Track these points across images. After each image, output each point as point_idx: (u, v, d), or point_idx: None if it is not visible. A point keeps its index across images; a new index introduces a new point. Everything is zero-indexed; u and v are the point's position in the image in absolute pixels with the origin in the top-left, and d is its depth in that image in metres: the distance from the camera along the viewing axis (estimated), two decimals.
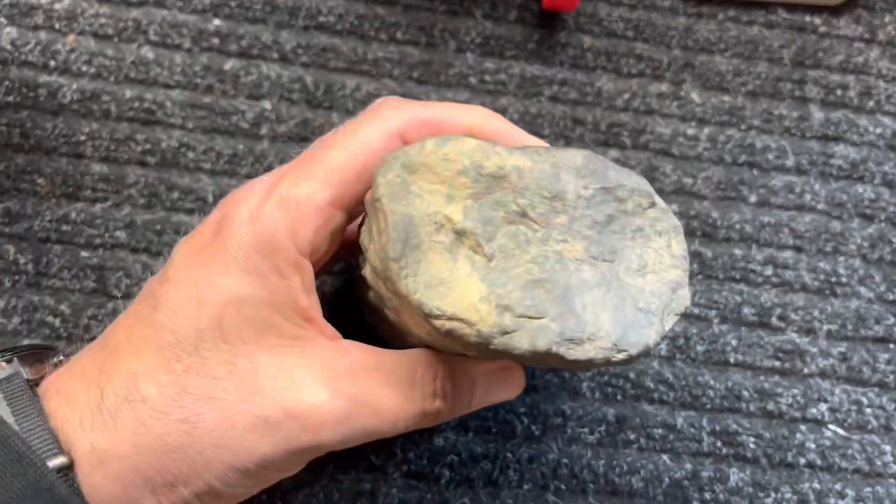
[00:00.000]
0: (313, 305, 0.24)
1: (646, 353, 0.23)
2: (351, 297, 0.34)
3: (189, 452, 0.22)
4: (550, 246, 0.23)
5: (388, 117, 0.25)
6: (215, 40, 0.39)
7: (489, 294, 0.22)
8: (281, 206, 0.24)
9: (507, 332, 0.22)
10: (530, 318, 0.22)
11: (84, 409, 0.22)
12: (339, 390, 0.23)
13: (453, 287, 0.22)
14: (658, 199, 0.25)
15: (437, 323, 0.22)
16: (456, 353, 0.25)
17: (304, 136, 0.38)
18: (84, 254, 0.35)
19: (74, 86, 0.37)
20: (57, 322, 0.35)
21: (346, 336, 0.26)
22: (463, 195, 0.23)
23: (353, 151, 0.24)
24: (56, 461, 0.21)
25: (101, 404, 0.22)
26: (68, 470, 0.22)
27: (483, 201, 0.23)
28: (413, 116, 0.25)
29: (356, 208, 0.26)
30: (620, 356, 0.23)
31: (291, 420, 0.23)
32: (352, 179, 0.24)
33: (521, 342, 0.22)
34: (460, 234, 0.23)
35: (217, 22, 0.39)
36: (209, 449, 0.22)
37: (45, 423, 0.22)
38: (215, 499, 0.23)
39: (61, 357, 0.25)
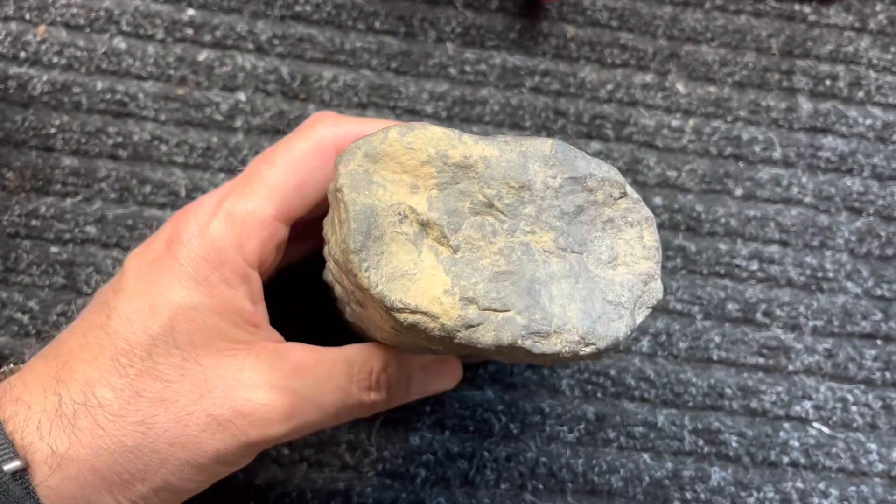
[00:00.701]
0: (260, 312, 0.26)
1: (615, 347, 0.22)
2: (321, 291, 0.33)
3: (145, 452, 0.23)
4: (518, 237, 0.23)
5: (323, 133, 0.26)
6: (189, 31, 0.38)
7: (453, 286, 0.21)
8: (228, 221, 0.25)
9: (471, 326, 0.21)
10: (495, 311, 0.22)
11: (42, 416, 0.23)
12: (283, 388, 0.25)
13: (416, 279, 0.21)
14: (629, 190, 0.24)
15: (400, 316, 0.21)
16: (422, 348, 0.25)
17: (279, 129, 0.37)
18: (54, 249, 0.35)
19: (45, 77, 0.37)
20: (26, 319, 0.34)
21: (310, 338, 0.27)
22: (428, 185, 0.22)
23: (291, 167, 0.26)
24: (11, 465, 0.22)
25: (60, 410, 0.23)
26: (24, 473, 0.22)
27: (448, 191, 0.22)
28: (348, 132, 0.27)
29: (299, 219, 0.27)
30: (588, 350, 0.22)
31: (240, 418, 0.24)
32: (291, 194, 0.26)
33: (486, 336, 0.21)
34: (424, 225, 0.22)
35: (191, 12, 0.38)
36: (164, 448, 0.23)
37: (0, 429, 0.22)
38: (171, 493, 0.24)
39: (11, 366, 0.26)
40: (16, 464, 0.22)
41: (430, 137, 0.23)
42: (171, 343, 0.24)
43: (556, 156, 0.23)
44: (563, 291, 0.22)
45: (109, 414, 0.23)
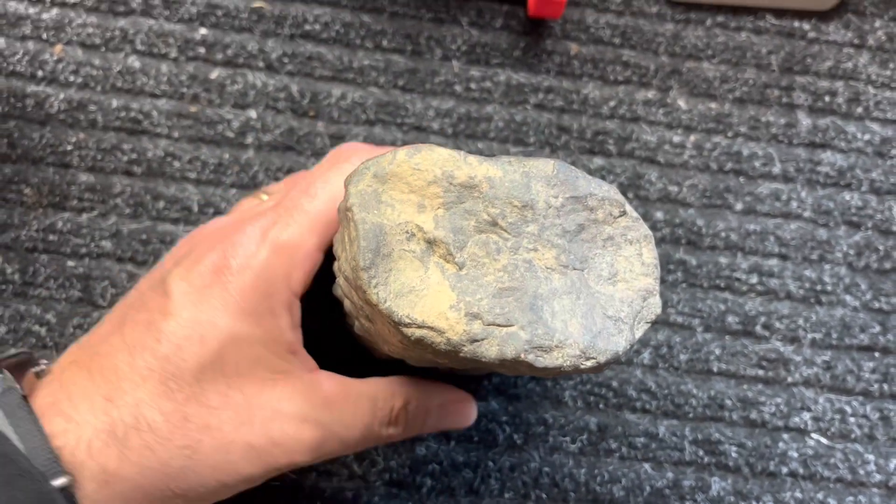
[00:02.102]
0: (298, 339, 0.27)
1: (615, 360, 0.23)
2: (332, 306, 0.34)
3: (188, 473, 0.25)
4: (521, 255, 0.23)
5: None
6: (201, 49, 0.39)
7: (459, 302, 0.22)
8: (276, 252, 0.26)
9: (476, 341, 0.22)
10: (499, 326, 0.22)
11: (93, 435, 0.24)
12: (314, 421, 0.27)
13: (423, 295, 0.22)
14: (629, 208, 0.25)
15: (408, 331, 0.22)
16: (428, 361, 0.25)
17: (289, 146, 0.38)
18: (70, 263, 0.36)
19: (61, 95, 0.38)
20: (43, 331, 0.35)
21: (325, 351, 0.28)
22: (434, 205, 0.23)
23: (331, 201, 0.27)
24: (59, 481, 0.23)
25: (111, 431, 0.24)
26: (70, 488, 0.23)
27: (454, 210, 0.23)
28: None
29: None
30: (589, 363, 0.23)
31: (275, 447, 0.26)
32: (330, 226, 0.27)
33: (490, 350, 0.22)
34: (431, 243, 0.23)
35: (203, 31, 0.39)
36: (206, 470, 0.25)
37: (46, 443, 0.23)
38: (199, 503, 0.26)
39: (42, 366, 0.26)
40: (63, 479, 0.23)
41: (437, 158, 0.23)
42: (219, 371, 0.25)
43: (558, 176, 0.24)
44: (565, 307, 0.23)
45: (158, 436, 0.24)
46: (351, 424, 0.27)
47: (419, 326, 0.22)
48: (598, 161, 0.39)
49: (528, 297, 0.23)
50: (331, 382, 0.27)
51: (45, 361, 0.27)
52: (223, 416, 0.25)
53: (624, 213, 0.25)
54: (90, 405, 0.24)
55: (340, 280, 0.26)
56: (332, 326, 0.32)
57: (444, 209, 0.23)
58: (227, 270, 0.26)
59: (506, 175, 0.24)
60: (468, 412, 0.31)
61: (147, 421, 0.24)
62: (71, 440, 0.24)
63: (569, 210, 0.24)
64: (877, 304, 0.38)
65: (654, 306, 0.24)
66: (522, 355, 0.22)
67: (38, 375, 0.26)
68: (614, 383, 0.36)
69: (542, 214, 0.24)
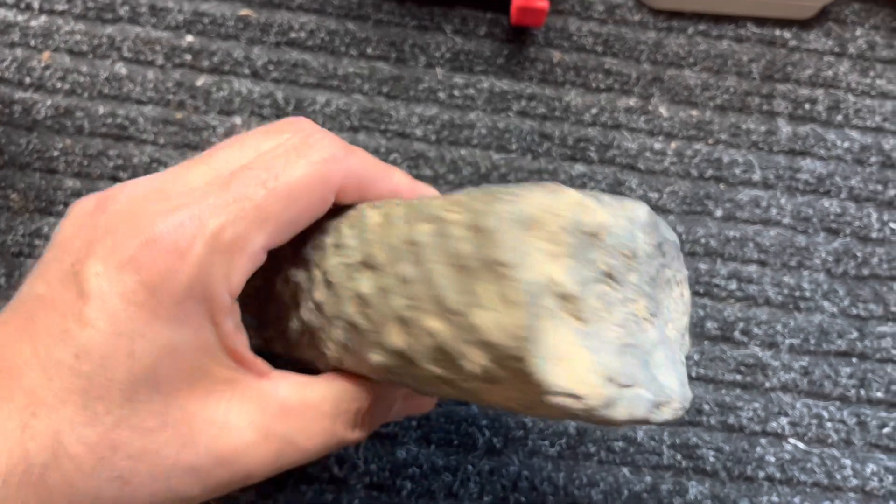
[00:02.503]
0: (244, 342, 0.24)
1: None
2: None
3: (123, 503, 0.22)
4: (627, 306, 0.22)
5: (334, 171, 0.24)
6: (188, 56, 0.39)
7: (595, 364, 0.20)
8: (216, 251, 0.22)
9: (610, 405, 0.20)
10: (628, 387, 0.21)
11: (8, 474, 0.20)
12: (270, 433, 0.24)
13: (565, 359, 0.20)
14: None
15: (553, 399, 0.20)
16: (414, 387, 0.25)
17: None
18: None
19: (49, 102, 0.38)
20: None
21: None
22: (563, 253, 0.21)
23: (289, 200, 0.23)
24: None
25: (27, 469, 0.20)
26: None
27: (579, 260, 0.21)
28: (354, 172, 0.25)
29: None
30: (680, 415, 0.22)
31: (222, 467, 0.23)
32: (284, 227, 0.24)
33: (620, 412, 0.20)
34: (563, 297, 0.20)
35: (189, 38, 0.40)
36: (140, 499, 0.22)
37: None
38: None
39: None
40: None
41: (570, 201, 0.21)
42: (154, 388, 0.22)
43: (650, 221, 0.23)
44: (661, 360, 0.22)
45: (81, 471, 0.21)
46: (312, 433, 0.24)
47: (566, 395, 0.20)
48: (579, 168, 0.40)
49: (641, 353, 0.22)
50: (287, 387, 0.25)
51: None
52: (161, 439, 0.22)
53: (678, 256, 0.24)
54: (3, 436, 0.20)
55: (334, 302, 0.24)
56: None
57: (572, 259, 0.21)
58: (155, 268, 0.21)
59: (616, 221, 0.22)
60: (427, 400, 0.29)
61: (68, 454, 0.21)
62: None
63: (653, 255, 0.23)
64: (854, 311, 0.38)
65: (687, 341, 0.24)
66: (649, 416, 0.21)
67: None
68: None
69: (639, 263, 0.22)
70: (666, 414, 0.21)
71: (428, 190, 0.27)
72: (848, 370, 0.38)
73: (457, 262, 0.21)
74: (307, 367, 0.27)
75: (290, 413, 0.24)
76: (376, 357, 0.23)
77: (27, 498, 0.20)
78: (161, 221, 0.22)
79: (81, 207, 0.24)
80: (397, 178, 0.26)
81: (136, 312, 0.21)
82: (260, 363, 0.25)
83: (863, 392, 0.37)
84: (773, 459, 0.36)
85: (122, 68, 0.39)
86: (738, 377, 0.37)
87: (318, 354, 0.26)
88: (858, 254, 0.39)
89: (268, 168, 0.23)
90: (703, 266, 0.39)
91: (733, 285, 0.38)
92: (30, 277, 0.23)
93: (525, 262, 0.20)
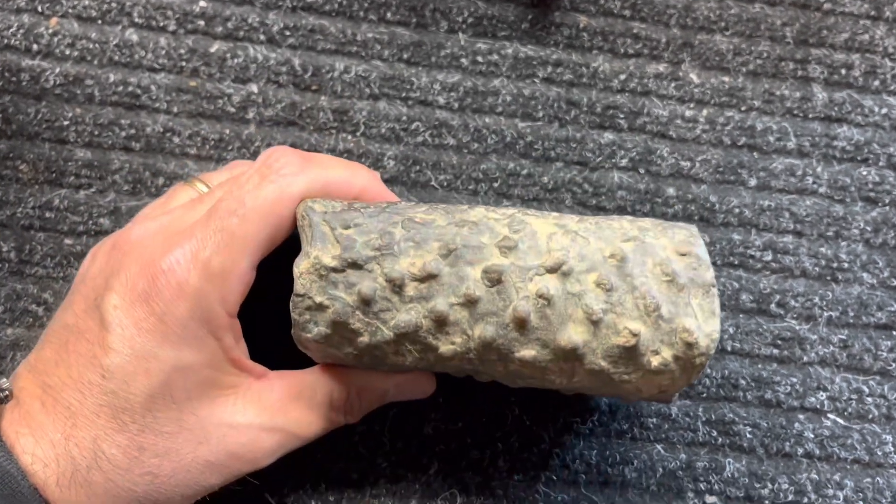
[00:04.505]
0: (243, 352, 0.28)
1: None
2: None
3: (154, 495, 0.26)
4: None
5: (293, 183, 0.28)
6: (201, 22, 0.38)
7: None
8: (209, 280, 0.26)
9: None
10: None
11: (60, 475, 0.25)
12: (270, 428, 0.28)
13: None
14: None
15: (700, 360, 0.26)
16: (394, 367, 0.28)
17: (291, 121, 0.37)
18: (68, 241, 0.35)
19: (57, 70, 0.37)
20: (40, 311, 0.34)
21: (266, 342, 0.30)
22: None
23: (262, 221, 0.27)
24: None
25: (75, 471, 0.25)
26: None
27: None
28: (313, 181, 0.28)
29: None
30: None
31: (234, 460, 0.27)
32: (263, 245, 0.27)
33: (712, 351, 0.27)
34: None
35: (203, 3, 0.38)
36: (170, 489, 0.26)
37: (26, 479, 0.24)
38: None
39: (7, 391, 0.26)
40: None
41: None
42: (169, 399, 0.26)
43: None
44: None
45: (119, 469, 0.25)
46: (308, 422, 0.29)
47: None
48: (608, 136, 0.38)
49: None
50: (281, 385, 0.29)
51: (5, 382, 0.26)
52: (179, 440, 0.26)
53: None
54: (51, 444, 0.25)
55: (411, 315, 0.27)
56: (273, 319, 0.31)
57: None
58: (161, 299, 0.26)
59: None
60: (426, 385, 0.31)
61: (106, 456, 0.25)
62: (41, 478, 0.25)
63: None
64: (894, 282, 0.37)
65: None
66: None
67: (1, 401, 0.26)
68: None
69: None
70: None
71: (391, 196, 0.31)
72: (888, 343, 0.36)
73: (667, 278, 0.27)
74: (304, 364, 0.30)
75: (287, 407, 0.29)
76: (530, 353, 0.27)
77: (77, 496, 0.25)
78: (162, 260, 0.26)
79: (102, 247, 0.28)
80: (362, 180, 0.29)
81: (149, 337, 0.26)
82: (258, 367, 0.29)
83: None
84: (811, 436, 0.35)
85: (132, 34, 0.37)
86: (775, 351, 0.36)
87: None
88: None
89: (236, 198, 0.27)
90: (736, 237, 0.37)
91: (768, 256, 0.37)
92: (61, 308, 0.28)
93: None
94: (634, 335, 0.26)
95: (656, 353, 0.26)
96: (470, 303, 0.26)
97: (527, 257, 0.27)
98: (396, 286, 0.26)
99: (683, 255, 0.27)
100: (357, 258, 0.26)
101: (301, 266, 0.26)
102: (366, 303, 0.26)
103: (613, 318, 0.26)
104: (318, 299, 0.26)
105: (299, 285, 0.26)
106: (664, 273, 0.27)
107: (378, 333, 0.27)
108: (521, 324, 0.26)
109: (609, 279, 0.26)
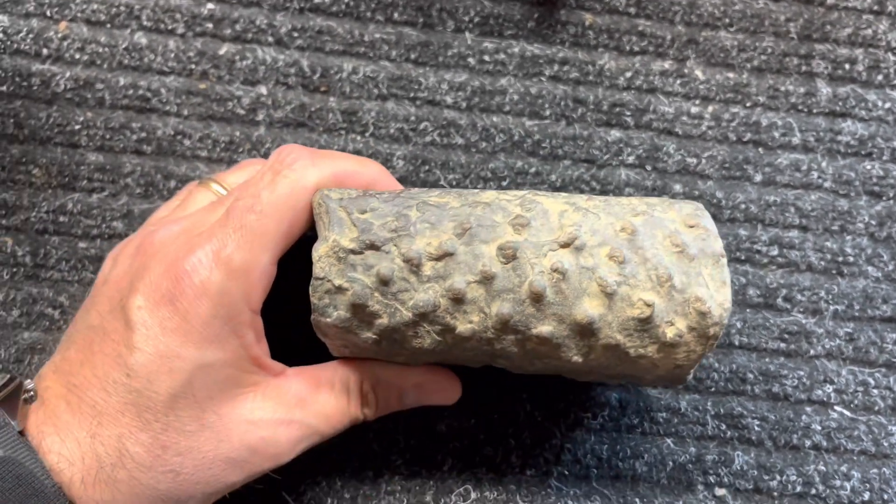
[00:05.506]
0: (264, 350, 0.28)
1: None
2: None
3: (176, 492, 0.27)
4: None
5: (306, 175, 0.28)
6: (209, 25, 0.38)
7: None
8: (231, 277, 0.26)
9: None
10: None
11: (85, 473, 0.25)
12: (290, 423, 0.28)
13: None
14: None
15: (713, 330, 0.27)
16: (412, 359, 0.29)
17: (300, 122, 0.37)
18: (82, 245, 0.35)
19: (68, 74, 0.37)
20: (56, 314, 0.34)
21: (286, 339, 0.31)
22: None
23: (279, 215, 0.27)
24: None
25: (100, 468, 0.25)
26: None
27: None
28: (325, 173, 0.28)
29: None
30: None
31: (255, 455, 0.28)
32: (281, 239, 0.27)
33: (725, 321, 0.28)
34: None
35: (211, 6, 0.38)
36: (191, 487, 0.27)
37: (51, 478, 0.25)
38: None
39: (30, 392, 0.26)
40: None
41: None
42: (191, 398, 0.26)
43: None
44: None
45: (142, 466, 0.26)
46: (326, 415, 0.29)
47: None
48: (615, 133, 0.38)
49: None
50: (300, 380, 0.29)
51: (29, 383, 0.27)
52: (201, 438, 0.27)
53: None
54: (77, 442, 0.25)
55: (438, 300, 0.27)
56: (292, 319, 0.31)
57: None
58: (185, 299, 0.26)
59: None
60: (449, 390, 0.32)
61: (130, 454, 0.26)
62: (66, 478, 0.25)
63: None
64: None
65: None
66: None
67: (27, 401, 0.26)
68: None
69: None
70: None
71: (401, 187, 0.31)
72: (894, 336, 0.37)
73: (678, 249, 0.27)
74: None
75: (306, 402, 0.29)
76: (547, 328, 0.27)
77: (101, 494, 0.25)
78: (185, 260, 0.26)
79: (124, 250, 0.29)
80: (372, 172, 0.30)
81: (172, 337, 0.26)
82: (277, 365, 0.29)
83: None
84: (819, 428, 0.35)
85: (141, 38, 0.38)
86: (782, 345, 0.36)
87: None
88: None
89: (252, 195, 0.27)
90: (743, 232, 0.38)
91: (774, 251, 0.38)
92: (83, 308, 0.28)
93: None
94: (649, 306, 0.26)
95: (671, 323, 0.27)
96: (486, 279, 0.27)
97: (540, 234, 0.27)
98: (414, 266, 0.27)
99: (692, 226, 0.28)
100: (374, 240, 0.27)
101: (320, 250, 0.27)
102: (384, 283, 0.27)
103: (627, 291, 0.26)
104: (338, 282, 0.27)
105: (318, 269, 0.27)
106: (674, 244, 0.27)
107: (397, 314, 0.27)
108: (538, 298, 0.26)
109: (621, 252, 0.27)
